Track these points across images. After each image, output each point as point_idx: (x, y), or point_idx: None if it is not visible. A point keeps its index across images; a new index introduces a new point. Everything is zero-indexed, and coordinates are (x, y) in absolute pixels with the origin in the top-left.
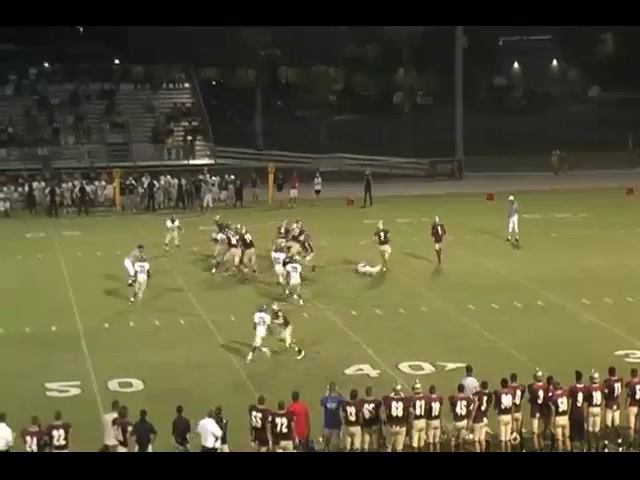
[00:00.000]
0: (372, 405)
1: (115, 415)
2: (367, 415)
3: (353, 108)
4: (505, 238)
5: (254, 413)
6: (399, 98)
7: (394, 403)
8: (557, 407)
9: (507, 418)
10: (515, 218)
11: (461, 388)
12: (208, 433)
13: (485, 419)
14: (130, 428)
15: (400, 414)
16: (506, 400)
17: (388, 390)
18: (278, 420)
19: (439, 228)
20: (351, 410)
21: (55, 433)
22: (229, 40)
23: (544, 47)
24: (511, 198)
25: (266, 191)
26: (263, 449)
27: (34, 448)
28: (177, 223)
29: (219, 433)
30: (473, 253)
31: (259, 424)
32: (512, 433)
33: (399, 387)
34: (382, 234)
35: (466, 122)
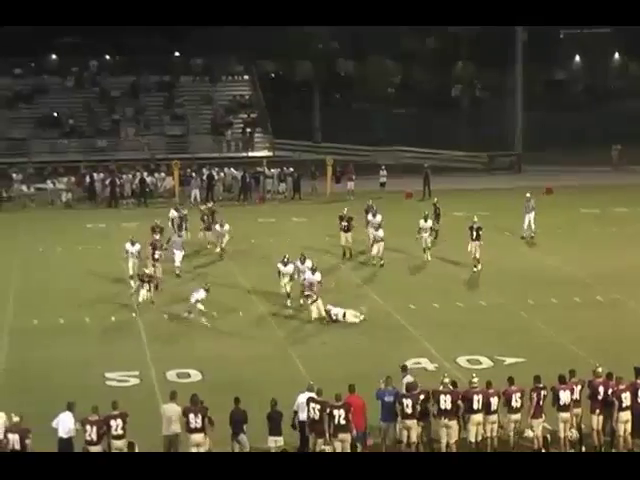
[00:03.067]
0: (422, 397)
1: (175, 405)
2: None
3: (411, 101)
4: (520, 235)
5: (312, 405)
6: (457, 91)
7: (442, 396)
8: (621, 402)
9: (566, 415)
10: (532, 215)
11: (511, 381)
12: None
13: (543, 415)
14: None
15: (449, 407)
16: (564, 396)
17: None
18: (336, 412)
19: (476, 229)
20: (407, 403)
21: (113, 423)
22: (288, 33)
23: (605, 40)
24: (528, 195)
25: (324, 184)
26: (320, 441)
27: (94, 437)
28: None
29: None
30: (532, 248)
31: (317, 416)
32: (571, 429)
33: (447, 380)
34: (346, 222)
35: (525, 116)
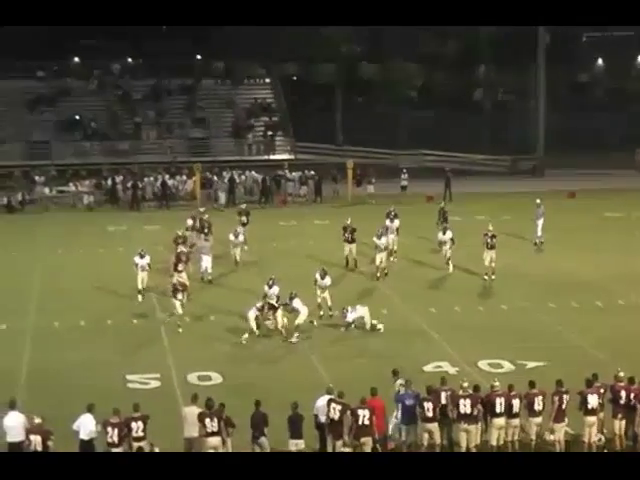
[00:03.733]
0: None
1: (196, 408)
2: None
3: (433, 104)
4: (533, 242)
5: (333, 405)
6: (480, 94)
7: (462, 400)
8: None
9: (592, 419)
10: (541, 221)
11: (532, 384)
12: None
13: (566, 419)
14: (224, 416)
15: (468, 411)
16: (592, 400)
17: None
18: (360, 412)
19: (490, 237)
20: (428, 406)
21: (134, 425)
22: (309, 36)
23: (628, 42)
24: (538, 201)
25: (345, 187)
26: (339, 443)
27: (115, 439)
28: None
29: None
30: (554, 251)
31: (337, 416)
32: (597, 434)
33: (466, 384)
34: (349, 233)
35: (548, 119)
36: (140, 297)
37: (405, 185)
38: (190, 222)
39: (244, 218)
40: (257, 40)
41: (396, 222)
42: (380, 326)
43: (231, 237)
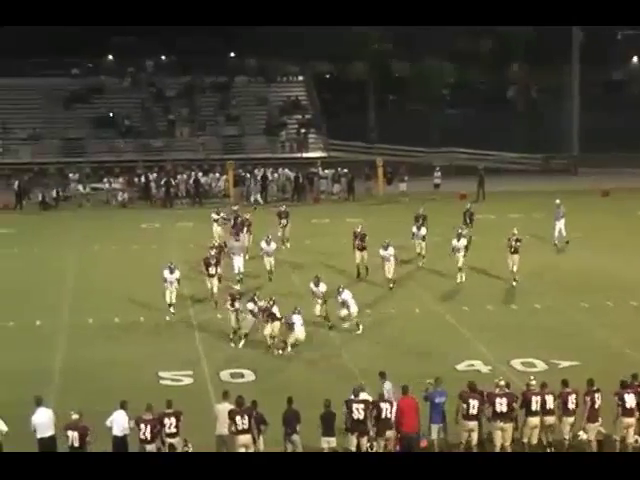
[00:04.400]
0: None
1: (228, 405)
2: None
3: (465, 102)
4: (553, 243)
5: (355, 405)
6: (513, 92)
7: (498, 399)
8: None
9: (630, 420)
10: (561, 222)
11: (565, 383)
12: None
13: (599, 419)
14: (255, 414)
15: (505, 410)
16: (630, 400)
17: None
18: (383, 405)
19: (515, 240)
20: (474, 404)
21: (167, 421)
22: (342, 34)
23: None
24: (557, 202)
25: (377, 185)
26: (363, 440)
27: (148, 435)
28: (223, 214)
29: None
30: (587, 250)
31: (361, 416)
32: (633, 435)
33: (503, 382)
34: (360, 239)
35: (581, 117)
36: (172, 309)
37: (438, 183)
38: (215, 216)
39: (284, 220)
40: (290, 38)
41: (423, 230)
42: (359, 328)
43: (262, 244)
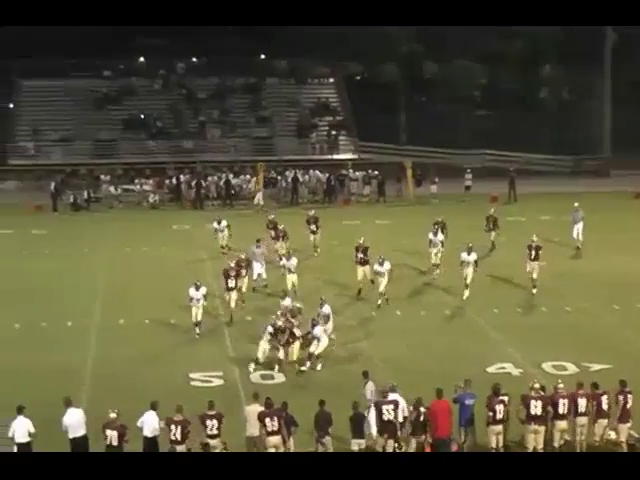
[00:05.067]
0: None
1: (258, 406)
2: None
3: (496, 104)
4: (575, 247)
5: (385, 407)
6: (544, 94)
7: (533, 402)
8: None
9: None
10: (580, 225)
11: (596, 386)
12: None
13: (630, 420)
14: (284, 415)
15: (539, 412)
16: None
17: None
18: (422, 409)
19: (535, 249)
20: (499, 408)
21: (208, 422)
22: (373, 35)
23: None
24: (576, 205)
25: (407, 186)
26: (390, 442)
27: (178, 437)
28: (225, 223)
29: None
30: (619, 252)
31: (391, 416)
32: None
33: (537, 385)
34: (362, 253)
35: (613, 119)
36: (197, 329)
37: (469, 185)
38: (215, 225)
39: (313, 226)
40: (321, 39)
41: (440, 236)
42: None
43: (284, 261)
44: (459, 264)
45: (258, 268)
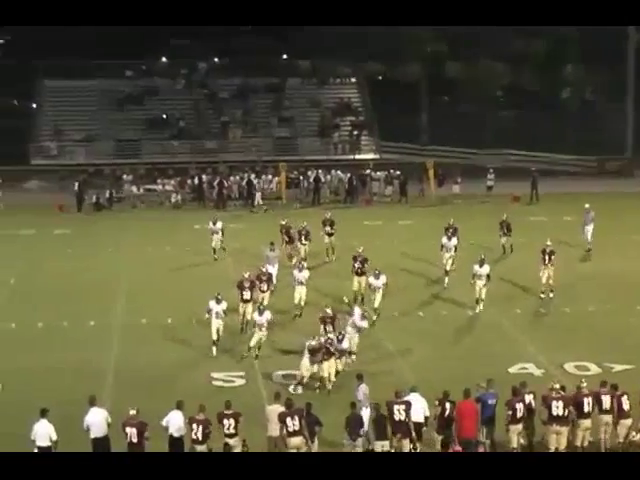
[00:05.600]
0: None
1: (279, 407)
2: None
3: (519, 104)
4: (585, 249)
5: (396, 407)
6: (567, 94)
7: (554, 402)
8: None
9: None
10: (590, 227)
11: (615, 387)
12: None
13: None
14: (306, 415)
15: (561, 413)
16: None
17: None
18: (448, 405)
19: (548, 254)
20: (519, 407)
21: (225, 422)
22: (395, 35)
23: None
24: (587, 206)
25: (429, 187)
26: (404, 442)
27: (199, 436)
28: (220, 225)
29: None
30: None
31: (402, 416)
32: None
33: (558, 386)
34: (360, 262)
35: (636, 119)
36: (214, 350)
37: (491, 185)
38: (211, 226)
39: (328, 228)
40: (342, 39)
41: (454, 240)
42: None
43: (295, 273)
44: (471, 277)
45: (271, 271)
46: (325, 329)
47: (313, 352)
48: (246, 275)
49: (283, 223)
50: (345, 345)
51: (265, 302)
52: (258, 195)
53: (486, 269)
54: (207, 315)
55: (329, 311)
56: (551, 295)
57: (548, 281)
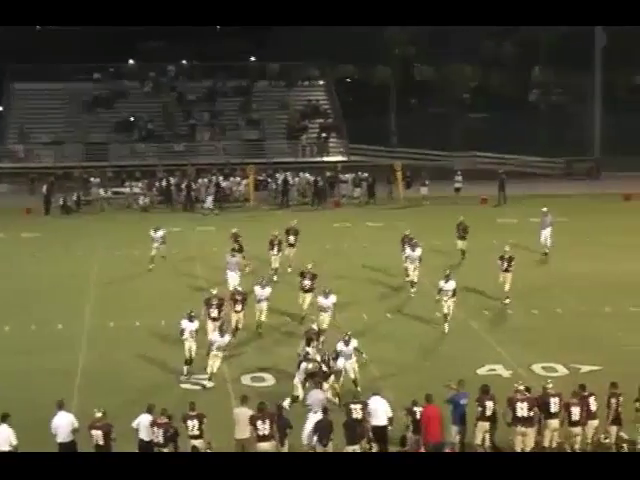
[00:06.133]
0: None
1: (246, 410)
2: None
3: (487, 106)
4: (542, 252)
5: (353, 406)
6: (535, 96)
7: (519, 403)
8: None
9: None
10: (548, 231)
11: (583, 387)
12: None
13: (621, 423)
14: (277, 418)
15: (525, 414)
16: None
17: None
18: (416, 409)
19: (507, 260)
20: (489, 404)
21: (189, 423)
22: (364, 37)
23: None
24: (544, 210)
25: (397, 189)
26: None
27: (161, 439)
28: (161, 233)
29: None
30: (610, 254)
31: (359, 415)
32: None
33: (522, 387)
34: (310, 278)
35: (604, 121)
36: (186, 370)
37: (459, 187)
38: (152, 234)
39: (292, 237)
40: (312, 42)
41: (418, 250)
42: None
43: (257, 289)
44: (437, 293)
45: (233, 279)
46: (309, 345)
47: (311, 376)
48: (214, 292)
49: (233, 232)
50: (340, 364)
51: (240, 325)
52: (209, 198)
53: (451, 284)
54: (181, 336)
55: (314, 327)
56: (507, 301)
57: (504, 286)
